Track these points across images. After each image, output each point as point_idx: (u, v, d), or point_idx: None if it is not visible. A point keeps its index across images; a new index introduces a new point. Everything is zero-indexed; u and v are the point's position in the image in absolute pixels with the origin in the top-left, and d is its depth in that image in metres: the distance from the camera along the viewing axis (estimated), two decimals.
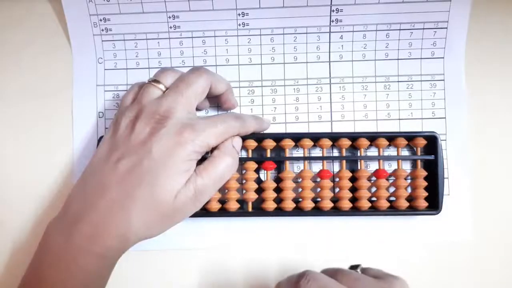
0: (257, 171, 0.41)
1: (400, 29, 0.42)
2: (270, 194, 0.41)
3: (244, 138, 0.41)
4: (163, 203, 0.32)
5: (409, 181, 0.42)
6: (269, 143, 0.41)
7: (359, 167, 0.42)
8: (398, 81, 0.43)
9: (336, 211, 0.41)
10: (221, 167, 0.35)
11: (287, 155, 0.41)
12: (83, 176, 0.35)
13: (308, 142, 0.41)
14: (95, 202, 0.32)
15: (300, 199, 0.41)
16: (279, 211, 0.41)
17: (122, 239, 0.32)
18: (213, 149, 0.36)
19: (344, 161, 0.41)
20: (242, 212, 0.41)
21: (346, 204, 0.40)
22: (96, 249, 0.31)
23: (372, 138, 0.41)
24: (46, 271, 0.32)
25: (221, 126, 0.35)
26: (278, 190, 0.41)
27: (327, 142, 0.41)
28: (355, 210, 0.41)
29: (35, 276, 0.32)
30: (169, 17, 0.42)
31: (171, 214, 0.33)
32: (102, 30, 0.43)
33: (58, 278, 0.31)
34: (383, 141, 0.41)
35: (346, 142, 0.41)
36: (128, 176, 0.32)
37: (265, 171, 0.41)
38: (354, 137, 0.41)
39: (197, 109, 0.41)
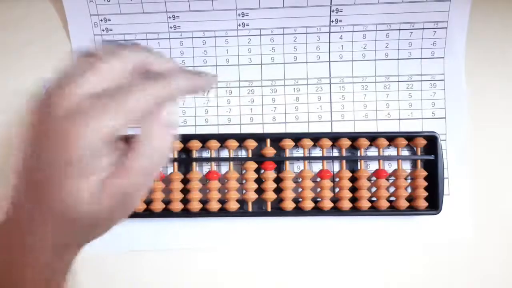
0: (257, 171, 0.41)
1: (400, 29, 0.42)
2: (270, 195, 0.41)
3: (244, 138, 0.41)
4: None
5: (409, 181, 0.42)
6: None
7: (359, 167, 0.42)
8: (398, 81, 0.43)
9: (336, 211, 0.41)
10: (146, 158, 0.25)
11: (287, 155, 0.41)
12: None
13: (308, 142, 0.41)
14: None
15: (300, 199, 0.41)
16: (280, 211, 0.41)
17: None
18: None
19: (344, 161, 0.41)
20: (242, 212, 0.41)
21: (346, 204, 0.40)
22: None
23: (372, 138, 0.41)
24: None
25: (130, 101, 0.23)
26: (278, 190, 0.41)
27: (327, 142, 0.41)
28: (355, 210, 0.41)
29: None
30: (169, 17, 0.42)
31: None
32: (103, 30, 0.43)
33: None
34: (383, 141, 0.41)
35: (346, 142, 0.41)
36: None
37: (265, 171, 0.41)
38: (354, 137, 0.41)
39: None
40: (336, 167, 0.43)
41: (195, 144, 0.41)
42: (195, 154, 0.41)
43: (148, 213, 0.41)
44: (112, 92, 0.24)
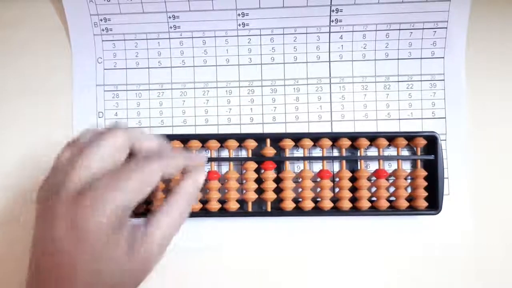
0: (257, 171, 0.41)
1: (400, 29, 0.42)
2: (270, 195, 0.41)
3: (244, 138, 0.41)
4: None
5: (409, 181, 0.42)
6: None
7: (359, 167, 0.42)
8: (398, 81, 0.43)
9: (336, 211, 0.41)
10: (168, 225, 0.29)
11: (287, 155, 0.41)
12: None
13: (308, 142, 0.41)
14: None
15: (300, 199, 0.41)
16: (279, 211, 0.41)
17: None
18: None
19: (344, 161, 0.41)
20: (242, 212, 0.41)
21: (346, 204, 0.40)
22: None
23: (372, 138, 0.41)
24: None
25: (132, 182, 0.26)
26: (278, 190, 0.41)
27: (327, 142, 0.41)
28: (355, 210, 0.41)
29: None
30: (169, 17, 0.42)
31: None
32: (103, 30, 0.43)
33: None
34: (383, 141, 0.41)
35: (346, 142, 0.41)
36: None
37: (265, 171, 0.41)
38: (354, 137, 0.41)
39: None
40: (336, 167, 0.43)
41: (195, 144, 0.41)
42: None
43: (148, 213, 0.41)
44: (117, 172, 0.26)
